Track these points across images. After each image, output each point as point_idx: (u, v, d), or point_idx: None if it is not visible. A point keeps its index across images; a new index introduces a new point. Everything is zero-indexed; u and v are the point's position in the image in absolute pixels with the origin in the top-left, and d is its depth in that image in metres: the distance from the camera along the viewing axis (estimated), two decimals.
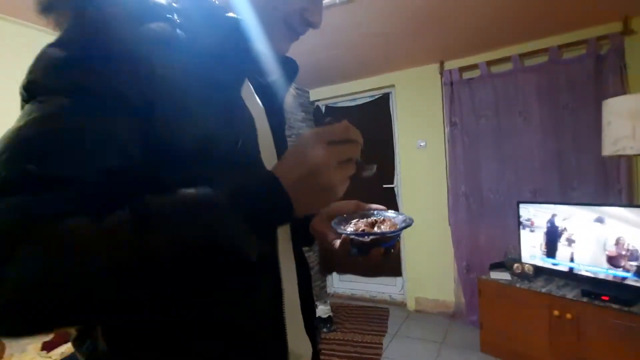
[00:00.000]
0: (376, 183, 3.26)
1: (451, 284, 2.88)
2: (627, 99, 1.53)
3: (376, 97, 3.30)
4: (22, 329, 0.30)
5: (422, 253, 3.05)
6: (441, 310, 2.95)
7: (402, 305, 3.20)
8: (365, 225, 0.55)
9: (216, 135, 0.42)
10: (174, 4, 0.45)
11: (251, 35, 0.48)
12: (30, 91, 0.37)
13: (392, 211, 0.60)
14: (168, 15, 0.44)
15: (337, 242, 0.56)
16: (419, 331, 2.71)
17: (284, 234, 0.55)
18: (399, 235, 0.54)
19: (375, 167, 0.52)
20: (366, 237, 0.52)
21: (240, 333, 0.44)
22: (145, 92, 0.38)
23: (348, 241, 0.54)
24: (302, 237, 0.63)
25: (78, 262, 0.30)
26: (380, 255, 0.52)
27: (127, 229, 0.32)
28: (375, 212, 0.60)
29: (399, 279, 3.30)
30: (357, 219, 0.57)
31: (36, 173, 0.32)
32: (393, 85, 3.14)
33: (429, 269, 3.01)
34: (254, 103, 0.54)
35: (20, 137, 0.33)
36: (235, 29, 0.47)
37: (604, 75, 2.28)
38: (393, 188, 3.24)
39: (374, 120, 3.31)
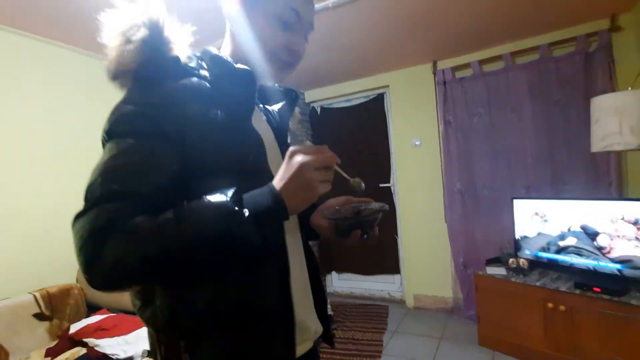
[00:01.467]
0: (372, 183, 3.30)
1: (449, 280, 2.93)
2: (614, 96, 1.57)
3: (371, 97, 3.34)
4: (116, 285, 0.50)
5: (419, 250, 3.10)
6: (440, 306, 3.00)
7: (400, 302, 3.25)
8: (348, 213, 0.68)
9: (232, 155, 0.58)
10: (200, 62, 0.65)
11: (255, 77, 0.64)
12: (109, 135, 0.55)
13: (375, 202, 0.72)
14: (196, 72, 0.62)
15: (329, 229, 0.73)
16: (418, 327, 2.76)
17: (293, 227, 0.70)
18: (375, 220, 0.67)
19: (360, 181, 0.65)
20: (344, 219, 0.65)
21: (252, 303, 0.57)
22: (180, 129, 0.55)
23: (334, 226, 0.69)
24: (308, 231, 0.77)
25: (143, 244, 0.47)
26: (358, 237, 0.66)
27: (170, 222, 0.49)
28: (361, 204, 0.72)
29: (397, 276, 3.34)
30: (345, 210, 0.72)
31: (117, 190, 0.50)
32: (387, 86, 3.18)
33: (427, 265, 3.06)
34: (264, 126, 0.71)
35: (107, 167, 0.52)
36: (244, 76, 0.63)
37: (593, 71, 2.33)
38: (390, 187, 3.28)
39: (369, 120, 3.35)
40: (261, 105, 0.76)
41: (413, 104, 3.04)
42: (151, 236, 0.47)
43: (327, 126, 3.57)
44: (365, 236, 0.67)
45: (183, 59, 0.63)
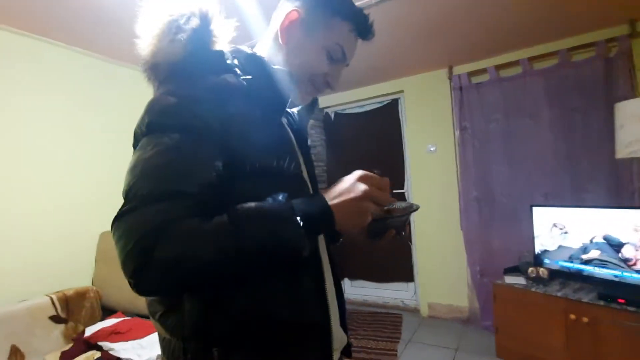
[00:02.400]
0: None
1: (464, 289, 2.87)
2: (638, 102, 1.53)
3: (385, 103, 3.32)
4: (166, 290, 0.50)
5: (434, 258, 3.04)
6: (455, 316, 2.94)
7: (415, 311, 3.19)
8: (379, 214, 0.67)
9: (270, 156, 0.58)
10: (236, 61, 0.64)
11: (292, 80, 0.66)
12: (151, 128, 0.53)
13: (401, 202, 0.72)
14: (234, 69, 0.62)
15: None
16: (433, 337, 2.70)
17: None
18: (407, 220, 0.66)
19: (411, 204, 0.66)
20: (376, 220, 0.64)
21: (290, 312, 0.56)
22: (223, 125, 0.54)
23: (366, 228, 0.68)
24: (330, 235, 0.76)
25: (199, 246, 0.45)
26: (393, 236, 0.65)
27: (225, 226, 0.47)
28: (390, 204, 0.71)
29: (411, 284, 3.29)
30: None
31: (166, 189, 0.48)
32: (402, 91, 3.16)
33: (442, 274, 3.00)
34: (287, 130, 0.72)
35: (152, 164, 0.50)
36: (281, 78, 0.64)
37: (613, 77, 2.28)
38: (403, 193, 3.25)
39: (383, 126, 3.33)
40: None
41: (428, 110, 3.02)
42: (208, 239, 0.46)
43: (341, 132, 3.57)
44: (399, 236, 0.66)
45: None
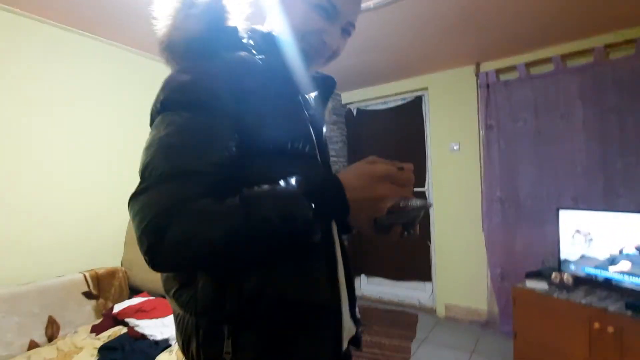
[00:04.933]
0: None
1: (484, 292, 2.80)
2: None
3: (408, 99, 3.29)
4: (178, 267, 0.51)
5: (453, 258, 2.99)
6: (473, 319, 2.88)
7: (431, 311, 3.15)
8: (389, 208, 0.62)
9: (285, 136, 0.57)
10: (251, 42, 0.64)
11: (301, 57, 0.64)
12: (165, 106, 0.53)
13: (416, 199, 0.66)
14: (249, 47, 0.63)
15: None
16: (448, 338, 2.66)
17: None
18: (417, 218, 0.61)
19: (425, 201, 0.61)
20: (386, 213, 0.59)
21: (302, 294, 0.56)
22: (239, 103, 0.54)
23: (372, 220, 0.63)
24: (342, 225, 0.74)
25: (211, 227, 0.46)
26: (399, 233, 0.61)
27: (239, 207, 0.47)
28: (402, 199, 0.65)
29: (428, 283, 3.25)
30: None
31: (180, 168, 0.48)
32: (426, 88, 3.12)
33: (461, 275, 2.95)
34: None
35: (166, 143, 0.50)
36: (294, 56, 0.63)
37: None
38: (424, 192, 3.21)
39: (405, 124, 3.30)
40: None
41: (452, 107, 2.96)
42: (220, 220, 0.46)
43: (363, 128, 3.56)
44: (406, 234, 0.63)
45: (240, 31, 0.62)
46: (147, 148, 0.51)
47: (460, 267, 2.95)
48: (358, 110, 3.60)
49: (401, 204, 0.63)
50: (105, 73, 2.27)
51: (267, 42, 0.64)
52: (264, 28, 0.67)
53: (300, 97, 0.68)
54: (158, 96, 0.55)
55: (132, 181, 0.50)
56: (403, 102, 3.32)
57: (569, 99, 2.42)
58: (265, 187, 0.50)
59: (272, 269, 0.54)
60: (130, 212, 0.48)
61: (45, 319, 1.77)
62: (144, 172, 0.50)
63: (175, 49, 0.58)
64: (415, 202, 0.64)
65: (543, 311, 2.13)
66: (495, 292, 2.69)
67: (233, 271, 0.53)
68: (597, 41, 2.31)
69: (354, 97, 3.52)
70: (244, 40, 0.63)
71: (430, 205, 0.61)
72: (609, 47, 2.29)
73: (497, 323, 2.68)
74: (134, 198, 0.48)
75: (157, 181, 0.48)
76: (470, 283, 2.89)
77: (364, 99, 3.47)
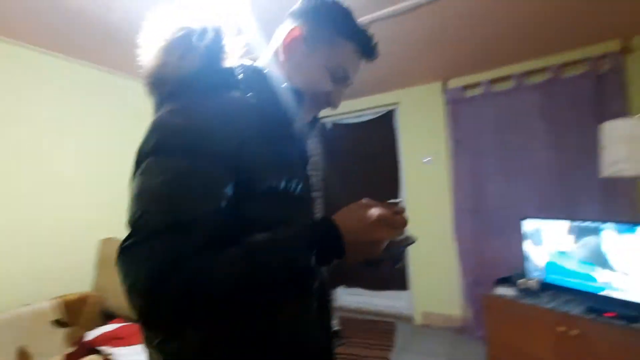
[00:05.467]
0: (381, 199, 3.32)
1: (458, 299, 2.90)
2: (623, 123, 1.58)
3: (381, 113, 3.39)
4: (179, 327, 0.48)
5: (428, 267, 3.08)
6: (448, 325, 2.97)
7: (408, 319, 3.22)
8: None
9: (281, 178, 0.57)
10: (240, 76, 0.63)
11: (301, 97, 0.66)
12: (157, 151, 0.50)
13: (405, 234, 0.70)
14: (240, 86, 0.61)
15: None
16: (426, 346, 2.73)
17: None
18: (404, 251, 0.65)
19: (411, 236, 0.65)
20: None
21: (295, 340, 0.57)
22: (236, 145, 0.52)
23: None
24: None
25: (213, 283, 0.45)
26: (389, 268, 0.65)
27: (242, 259, 0.47)
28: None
29: (405, 292, 3.32)
30: None
31: (177, 220, 0.46)
32: (398, 103, 3.22)
33: (436, 283, 3.04)
34: None
35: (161, 192, 0.48)
36: (290, 95, 0.64)
37: (605, 94, 2.33)
38: (397, 203, 3.29)
39: (379, 137, 3.39)
40: None
41: (423, 122, 3.08)
42: (223, 274, 0.45)
43: (337, 142, 3.63)
44: (394, 267, 0.67)
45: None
46: (139, 196, 0.48)
47: (435, 275, 3.04)
48: (333, 124, 3.67)
49: (393, 243, 0.66)
50: (75, 93, 2.22)
51: (257, 79, 0.64)
52: (256, 64, 0.67)
53: (292, 137, 0.68)
54: (148, 137, 0.52)
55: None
56: (376, 116, 3.41)
57: (528, 115, 2.58)
58: (266, 236, 0.50)
59: (262, 315, 0.54)
60: (119, 267, 0.45)
61: (15, 351, 1.70)
62: (136, 223, 0.46)
63: (165, 84, 0.56)
64: (404, 239, 0.67)
65: (512, 316, 2.24)
66: (468, 299, 2.79)
67: (238, 322, 0.52)
68: (553, 60, 2.48)
69: (328, 111, 3.57)
70: (238, 77, 0.62)
71: (415, 241, 0.65)
72: (563, 66, 2.46)
73: (471, 329, 2.77)
74: (125, 252, 0.45)
75: (151, 234, 0.45)
76: (446, 291, 2.98)
77: (338, 113, 3.54)
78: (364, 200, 0.56)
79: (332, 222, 0.52)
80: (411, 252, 3.19)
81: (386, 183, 3.35)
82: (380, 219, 0.53)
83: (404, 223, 0.56)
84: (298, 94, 0.65)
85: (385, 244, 0.54)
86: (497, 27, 2.09)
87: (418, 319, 3.14)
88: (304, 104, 0.66)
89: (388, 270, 0.67)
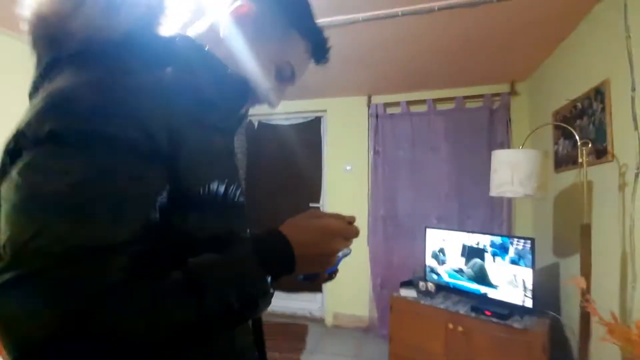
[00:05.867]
0: (303, 202, 3.37)
1: (366, 300, 3.11)
2: (509, 152, 1.91)
3: (308, 119, 3.44)
4: None
5: (341, 270, 3.21)
6: (356, 325, 3.15)
7: (320, 320, 3.33)
8: None
9: (221, 182, 0.48)
10: (176, 51, 0.49)
11: (250, 89, 0.56)
12: (58, 135, 0.34)
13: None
14: (179, 62, 0.48)
15: None
16: (335, 346, 2.85)
17: None
18: (339, 263, 0.62)
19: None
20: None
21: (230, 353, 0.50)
22: (173, 138, 0.40)
23: None
24: None
25: (147, 325, 0.34)
26: (325, 280, 0.63)
27: (183, 291, 0.37)
28: None
29: (318, 294, 3.42)
30: None
31: (93, 241, 0.33)
32: (325, 110, 3.32)
33: (348, 285, 3.20)
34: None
35: (67, 201, 0.33)
36: (237, 85, 0.53)
37: (494, 126, 2.77)
38: (318, 207, 3.39)
39: (304, 141, 3.44)
40: None
41: (347, 131, 3.23)
42: (159, 312, 0.35)
43: (263, 141, 3.56)
44: (329, 279, 0.65)
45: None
46: (25, 205, 0.33)
47: (347, 278, 3.20)
48: (259, 123, 3.58)
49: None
50: None
51: (200, 59, 0.51)
52: (197, 39, 0.54)
53: (229, 132, 0.59)
54: (39, 116, 0.35)
55: None
56: (303, 120, 3.45)
57: (437, 136, 2.92)
58: (209, 259, 0.41)
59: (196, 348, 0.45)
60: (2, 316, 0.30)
61: None
62: (24, 248, 0.31)
63: (69, 39, 0.40)
64: (344, 252, 0.66)
65: (413, 316, 2.49)
66: (375, 299, 3.01)
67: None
68: (458, 92, 2.86)
69: (256, 110, 3.47)
70: (174, 52, 0.49)
71: (350, 252, 0.65)
72: (466, 98, 2.85)
73: (376, 328, 2.99)
74: (9, 288, 0.30)
75: (54, 263, 0.31)
76: (356, 292, 3.16)
77: (267, 112, 3.48)
78: (314, 211, 0.51)
79: (283, 236, 0.45)
80: None
81: (308, 187, 3.41)
82: (335, 230, 0.48)
83: (357, 233, 0.52)
84: (245, 85, 0.54)
85: (334, 256, 0.50)
86: (416, 55, 2.34)
87: (329, 320, 3.26)
88: (249, 98, 0.57)
89: (324, 282, 0.66)
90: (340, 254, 0.59)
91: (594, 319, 1.51)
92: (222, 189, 0.47)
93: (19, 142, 0.35)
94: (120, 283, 0.34)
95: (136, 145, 0.37)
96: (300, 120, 3.46)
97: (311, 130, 3.44)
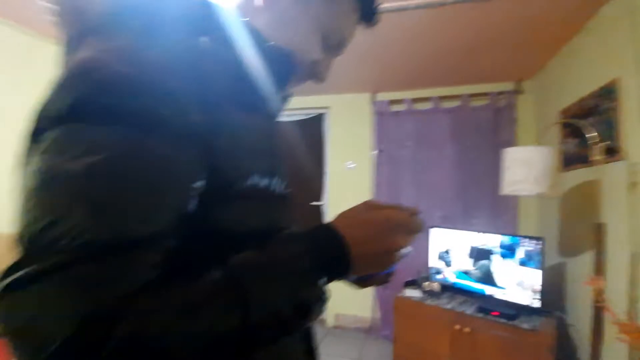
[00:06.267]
0: (305, 200, 3.32)
1: (369, 300, 3.06)
2: (524, 149, 1.88)
3: (312, 115, 3.39)
4: None
5: None
6: (358, 326, 3.11)
7: (321, 321, 3.28)
8: None
9: (267, 169, 0.42)
10: (211, 19, 0.44)
11: (294, 64, 0.50)
12: (78, 111, 0.30)
13: None
14: (214, 32, 0.42)
15: None
16: (337, 347, 2.81)
17: None
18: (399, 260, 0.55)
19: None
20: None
21: None
22: (208, 117, 0.35)
23: None
24: None
25: (183, 333, 0.29)
26: (380, 282, 0.55)
27: (230, 296, 0.31)
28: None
29: None
30: None
31: (122, 233, 0.28)
32: (328, 107, 3.27)
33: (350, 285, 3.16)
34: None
35: (91, 187, 0.28)
36: (280, 60, 0.48)
37: (500, 124, 2.74)
38: (320, 206, 3.34)
39: (307, 138, 3.39)
40: None
41: (351, 128, 3.18)
42: (197, 319, 0.29)
43: None
44: (385, 282, 0.57)
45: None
46: (44, 190, 0.28)
47: None
48: None
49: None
50: None
51: (242, 32, 0.45)
52: (233, 10, 0.47)
53: (272, 117, 0.52)
54: (60, 93, 0.31)
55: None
56: (307, 117, 3.40)
57: (441, 134, 2.88)
58: (257, 256, 0.35)
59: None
60: (13, 312, 0.26)
61: None
62: (43, 239, 0.27)
63: (88, 11, 0.36)
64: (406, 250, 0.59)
65: (417, 316, 2.45)
66: (378, 300, 2.97)
67: None
68: (464, 90, 2.83)
69: None
70: (210, 19, 0.43)
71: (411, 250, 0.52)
72: (472, 95, 2.82)
73: (378, 328, 2.95)
74: (24, 285, 0.26)
75: (68, 259, 0.26)
76: (358, 293, 3.11)
77: None
78: (370, 201, 0.45)
79: (336, 232, 0.39)
80: None
81: (309, 186, 3.36)
82: (397, 224, 0.41)
83: (421, 226, 0.44)
84: (288, 58, 0.48)
85: (396, 254, 0.43)
86: (422, 52, 2.30)
87: (330, 321, 3.21)
88: (295, 73, 0.50)
89: (378, 284, 0.57)
90: (402, 251, 0.53)
91: (608, 320, 1.48)
92: (265, 178, 0.42)
93: (41, 122, 0.31)
94: (151, 284, 0.29)
95: (169, 121, 0.32)
96: (304, 117, 3.41)
97: (314, 127, 3.39)
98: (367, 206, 0.44)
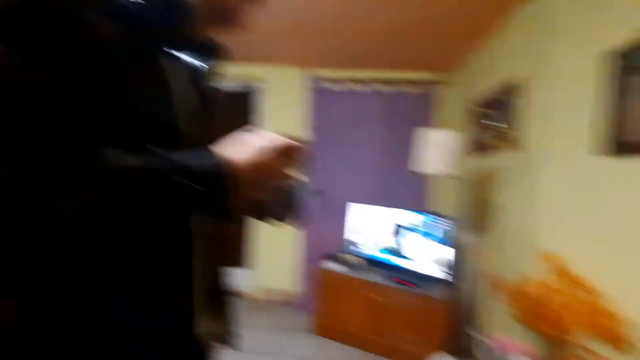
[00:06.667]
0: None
1: (295, 275, 3.15)
2: (435, 132, 2.04)
3: (246, 88, 3.27)
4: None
5: (274, 245, 3.23)
6: (285, 299, 3.19)
7: (251, 296, 3.29)
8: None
9: (165, 106, 0.46)
10: None
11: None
12: None
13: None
14: None
15: None
16: (263, 320, 2.85)
17: None
18: (299, 200, 0.59)
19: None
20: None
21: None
22: (99, 49, 0.37)
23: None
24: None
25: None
26: (283, 215, 0.60)
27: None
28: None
29: (250, 271, 3.37)
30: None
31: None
32: (264, 80, 3.18)
33: (279, 260, 3.21)
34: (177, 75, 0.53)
35: None
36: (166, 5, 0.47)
37: (421, 110, 2.94)
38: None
39: (240, 110, 3.28)
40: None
41: (286, 103, 3.16)
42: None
43: None
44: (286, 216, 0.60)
45: None
46: None
47: (280, 253, 3.21)
48: None
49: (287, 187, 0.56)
50: None
51: None
52: None
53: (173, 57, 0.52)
54: None
55: None
56: (240, 89, 3.27)
57: (370, 115, 3.01)
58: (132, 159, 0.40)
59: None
60: None
61: None
62: None
63: None
64: (300, 183, 0.57)
65: (338, 288, 2.58)
66: (303, 274, 3.06)
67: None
68: (395, 75, 2.95)
69: None
70: None
71: (312, 190, 0.50)
72: (401, 82, 2.95)
73: (304, 302, 3.06)
74: None
75: None
76: (286, 267, 3.19)
77: None
78: (244, 132, 0.48)
79: (219, 159, 0.44)
80: (258, 231, 3.24)
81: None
82: (273, 146, 0.46)
83: (302, 150, 0.49)
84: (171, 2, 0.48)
85: (284, 179, 0.47)
86: (357, 31, 2.32)
87: (259, 296, 3.24)
88: (188, 16, 0.50)
89: (284, 218, 0.61)
90: (294, 183, 0.54)
91: (488, 281, 1.70)
92: (148, 107, 0.44)
93: None
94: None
95: (80, 31, 0.35)
96: (237, 89, 3.28)
97: (248, 99, 3.28)
98: (241, 135, 0.48)
